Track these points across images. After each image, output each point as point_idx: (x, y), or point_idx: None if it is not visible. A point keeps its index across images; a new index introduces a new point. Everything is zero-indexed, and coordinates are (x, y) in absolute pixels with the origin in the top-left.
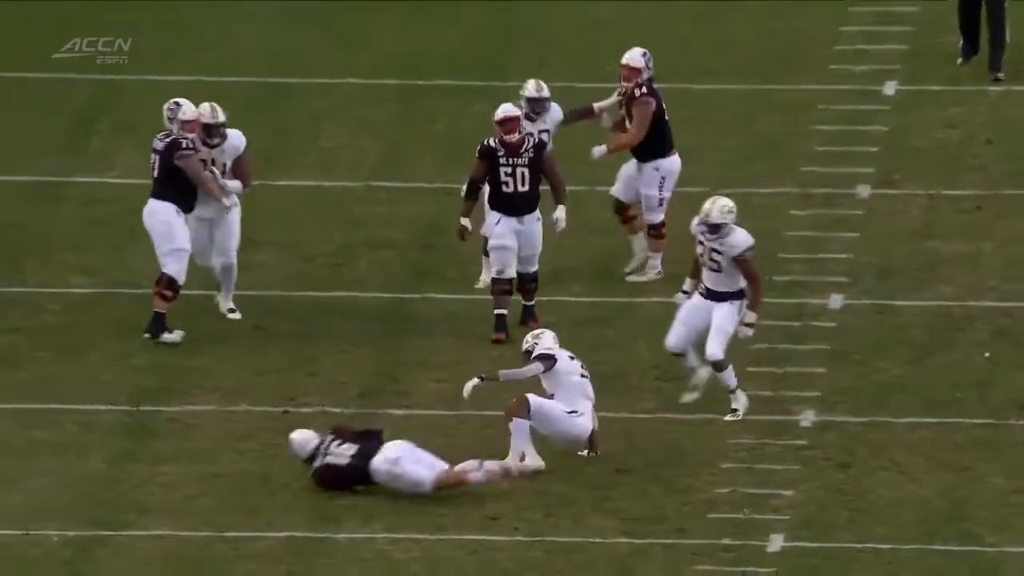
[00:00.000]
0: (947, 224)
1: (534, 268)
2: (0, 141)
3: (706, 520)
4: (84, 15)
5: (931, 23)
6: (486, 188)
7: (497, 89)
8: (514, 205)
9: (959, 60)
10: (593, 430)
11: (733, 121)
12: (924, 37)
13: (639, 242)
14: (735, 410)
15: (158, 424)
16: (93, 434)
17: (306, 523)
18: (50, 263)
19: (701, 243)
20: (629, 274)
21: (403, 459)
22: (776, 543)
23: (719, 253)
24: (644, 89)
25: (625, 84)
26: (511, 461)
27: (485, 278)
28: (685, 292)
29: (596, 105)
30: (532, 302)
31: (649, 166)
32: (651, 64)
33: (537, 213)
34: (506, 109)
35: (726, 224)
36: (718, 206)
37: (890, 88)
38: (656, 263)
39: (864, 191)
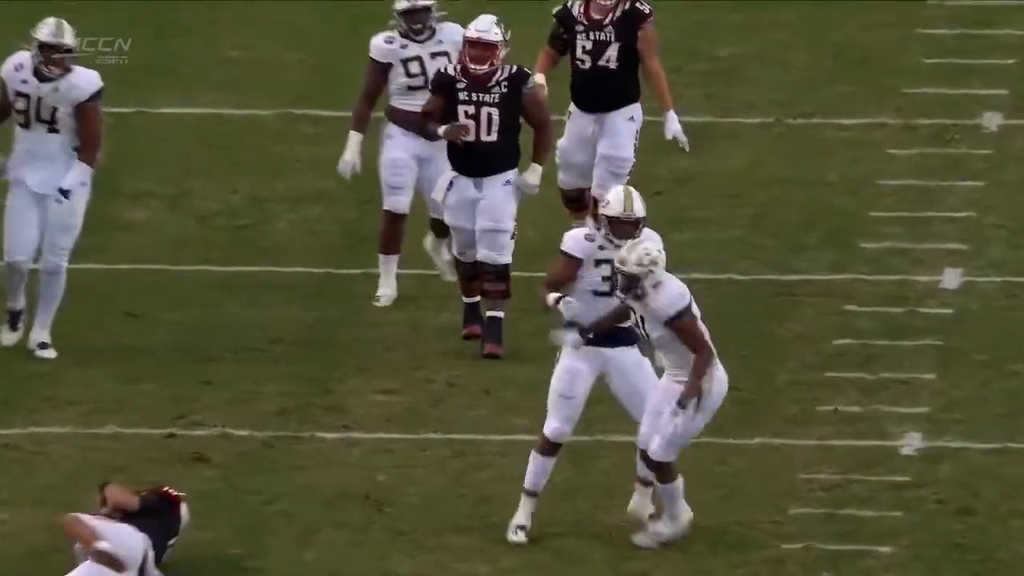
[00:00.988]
0: None
1: (500, 258)
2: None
3: None
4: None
5: None
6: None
7: None
8: (473, 161)
9: None
10: None
11: (804, 25)
12: None
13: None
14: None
15: None
16: None
17: None
18: None
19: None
20: None
21: None
22: None
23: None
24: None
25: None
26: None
27: (444, 258)
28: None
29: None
30: (498, 312)
31: (620, 116)
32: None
33: (509, 175)
34: (482, 26)
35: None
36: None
37: None
38: None
39: (992, 121)
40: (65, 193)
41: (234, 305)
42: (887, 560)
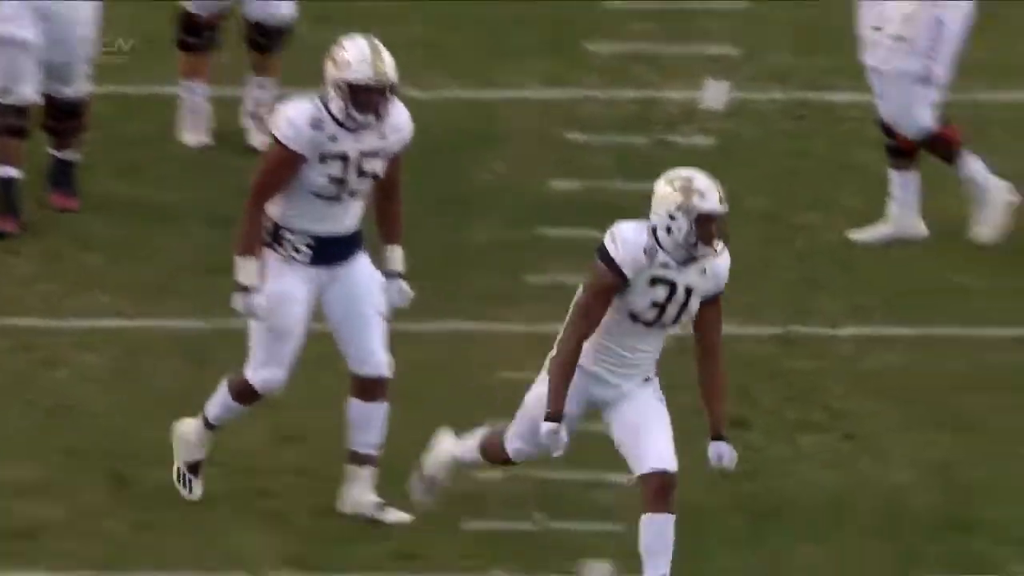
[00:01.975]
0: None
1: (74, 90)
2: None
3: None
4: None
5: None
6: None
7: None
8: None
9: None
10: None
11: None
12: None
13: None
14: None
15: None
16: None
17: None
18: None
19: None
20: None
21: None
22: None
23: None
24: None
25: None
26: None
27: None
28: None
29: None
30: (69, 156)
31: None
32: None
33: None
34: None
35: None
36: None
37: None
38: None
39: None
40: None
41: None
42: None
